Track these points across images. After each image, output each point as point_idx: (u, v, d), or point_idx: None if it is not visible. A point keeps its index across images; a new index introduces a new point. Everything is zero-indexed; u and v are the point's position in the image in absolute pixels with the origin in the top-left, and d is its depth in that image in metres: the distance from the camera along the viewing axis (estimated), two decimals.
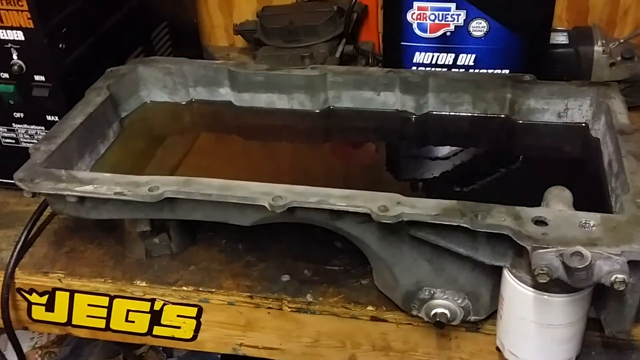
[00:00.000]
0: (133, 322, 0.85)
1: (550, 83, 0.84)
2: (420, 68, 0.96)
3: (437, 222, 0.63)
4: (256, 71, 0.91)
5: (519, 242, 0.60)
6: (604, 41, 1.03)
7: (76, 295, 0.84)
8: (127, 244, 0.84)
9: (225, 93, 0.94)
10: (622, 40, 1.01)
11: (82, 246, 0.87)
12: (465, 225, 0.62)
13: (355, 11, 1.19)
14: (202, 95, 0.95)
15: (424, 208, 0.64)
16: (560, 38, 1.06)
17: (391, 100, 0.90)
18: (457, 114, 0.89)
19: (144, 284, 0.82)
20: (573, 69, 1.04)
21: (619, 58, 1.02)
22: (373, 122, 0.91)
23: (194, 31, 1.30)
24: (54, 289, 0.83)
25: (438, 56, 0.94)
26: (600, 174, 0.76)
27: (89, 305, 0.84)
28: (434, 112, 0.89)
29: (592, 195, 0.74)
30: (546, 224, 0.61)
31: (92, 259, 0.85)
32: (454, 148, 0.87)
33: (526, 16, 0.90)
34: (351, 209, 0.65)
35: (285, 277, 0.81)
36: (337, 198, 0.66)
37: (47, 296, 0.83)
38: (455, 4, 0.89)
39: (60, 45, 0.85)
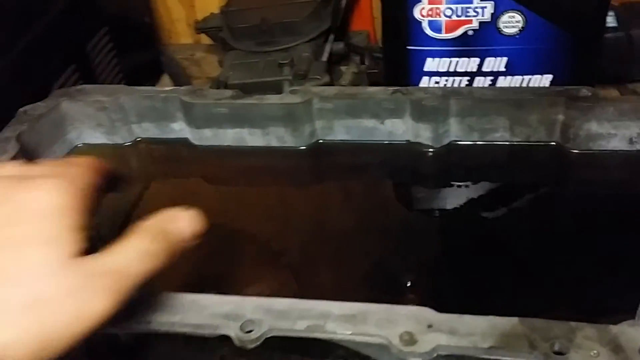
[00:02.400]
0: None
1: (619, 100, 0.61)
2: (434, 79, 0.73)
3: (493, 358, 0.41)
4: (217, 101, 0.68)
5: None
6: None
7: None
8: None
9: (179, 129, 0.71)
10: None
11: None
12: None
13: None
14: (150, 132, 0.72)
15: (470, 336, 0.42)
16: (607, 19, 0.82)
17: (400, 129, 0.67)
18: (490, 142, 0.66)
19: None
20: (625, 59, 0.82)
21: None
22: (377, 159, 0.68)
23: (147, 32, 1.05)
24: None
25: (457, 62, 0.71)
26: None
27: None
28: (459, 142, 0.67)
29: None
30: None
31: None
32: (485, 191, 0.65)
33: (574, 4, 0.67)
34: (359, 339, 0.43)
35: None
36: (338, 320, 0.44)
37: None
38: None
39: None
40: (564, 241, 0.59)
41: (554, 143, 0.65)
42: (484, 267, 0.57)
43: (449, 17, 0.68)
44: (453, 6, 0.67)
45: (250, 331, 0.44)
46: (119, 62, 0.93)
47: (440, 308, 0.45)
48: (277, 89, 0.83)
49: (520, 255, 0.58)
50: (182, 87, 0.70)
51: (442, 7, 0.68)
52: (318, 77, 0.84)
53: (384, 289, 0.57)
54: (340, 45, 0.92)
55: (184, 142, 0.72)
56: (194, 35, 1.18)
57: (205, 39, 1.14)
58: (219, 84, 0.86)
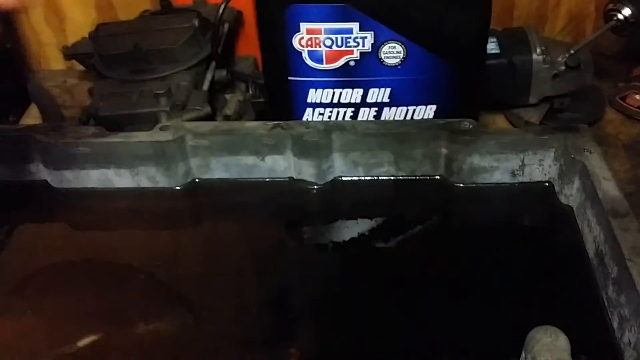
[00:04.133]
0: None
1: (500, 133, 0.60)
2: (318, 110, 0.70)
3: None
4: (77, 140, 0.61)
5: None
6: (543, 47, 0.81)
7: None
8: None
9: (37, 171, 0.64)
10: (573, 51, 0.79)
11: None
12: None
13: (226, 21, 0.90)
14: (4, 174, 0.64)
15: None
16: (490, 46, 0.82)
17: (282, 166, 0.63)
18: (376, 178, 0.64)
19: None
20: (507, 84, 0.83)
21: (563, 68, 0.81)
22: (258, 198, 0.64)
23: (10, 59, 0.95)
24: None
25: (341, 93, 0.69)
26: (582, 263, 0.54)
27: None
28: (344, 178, 0.64)
29: (573, 303, 0.52)
30: None
31: None
32: (369, 230, 0.62)
33: (454, 33, 0.66)
34: None
35: None
36: None
37: None
38: (358, 23, 0.64)
39: None
40: (452, 276, 0.57)
41: (438, 177, 0.63)
42: (374, 307, 0.54)
43: (329, 47, 0.65)
44: (332, 36, 0.64)
45: None
46: None
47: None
48: (152, 120, 0.76)
49: (409, 293, 0.55)
50: (38, 125, 0.63)
51: (322, 37, 0.65)
52: (198, 107, 0.78)
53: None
54: (222, 73, 0.87)
55: (44, 185, 0.64)
56: (66, 60, 1.09)
57: (79, 64, 1.06)
58: (89, 116, 0.78)
